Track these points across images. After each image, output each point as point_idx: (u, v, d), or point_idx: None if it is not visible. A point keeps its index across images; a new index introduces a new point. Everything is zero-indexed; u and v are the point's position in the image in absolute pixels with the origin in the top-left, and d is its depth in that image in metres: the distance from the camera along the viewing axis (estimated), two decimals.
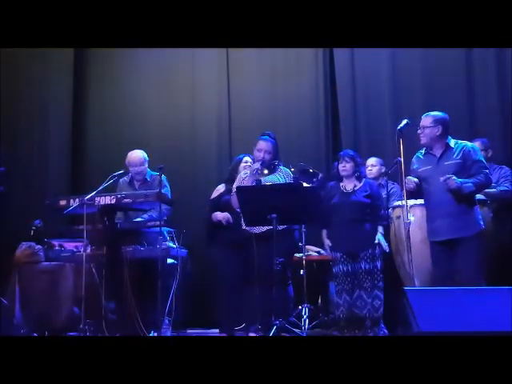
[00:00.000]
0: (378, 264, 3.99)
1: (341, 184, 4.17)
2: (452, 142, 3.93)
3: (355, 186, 4.13)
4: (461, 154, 3.87)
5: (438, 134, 3.90)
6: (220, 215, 4.46)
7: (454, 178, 3.75)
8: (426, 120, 3.94)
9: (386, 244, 4.07)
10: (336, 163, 4.26)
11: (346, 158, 4.16)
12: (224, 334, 4.39)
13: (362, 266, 3.98)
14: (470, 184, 3.77)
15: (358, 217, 4.02)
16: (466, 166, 3.84)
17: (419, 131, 3.95)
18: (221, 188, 4.63)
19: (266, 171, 4.16)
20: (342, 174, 4.15)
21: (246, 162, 4.54)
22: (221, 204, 4.50)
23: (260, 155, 4.17)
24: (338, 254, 4.07)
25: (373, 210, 4.06)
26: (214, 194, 4.64)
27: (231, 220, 4.39)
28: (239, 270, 4.33)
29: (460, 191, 3.75)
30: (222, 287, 4.48)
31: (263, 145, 4.20)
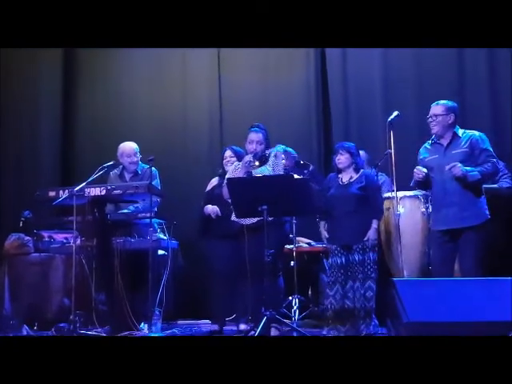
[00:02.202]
0: (371, 255, 3.98)
1: (339, 176, 4.17)
2: (460, 131, 3.91)
3: (351, 177, 4.12)
4: (468, 143, 3.83)
5: (450, 122, 3.88)
6: (209, 209, 4.47)
7: (460, 165, 3.72)
8: (438, 108, 3.92)
9: (374, 237, 4.03)
10: (334, 156, 4.25)
11: (341, 151, 4.14)
12: (216, 326, 4.41)
13: (356, 258, 3.98)
14: (476, 172, 3.73)
15: (352, 209, 4.00)
16: (473, 155, 3.81)
17: (430, 120, 3.91)
18: (214, 181, 4.63)
19: (257, 163, 4.16)
20: (339, 166, 4.14)
21: (225, 158, 4.54)
22: (213, 197, 4.51)
23: (252, 147, 4.18)
24: (333, 246, 4.09)
25: (368, 201, 4.03)
26: (208, 188, 4.65)
27: (219, 213, 4.40)
28: (230, 261, 4.34)
29: (465, 179, 3.72)
30: (213, 279, 4.49)
31: (254, 136, 4.22)
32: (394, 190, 4.20)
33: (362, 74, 5.74)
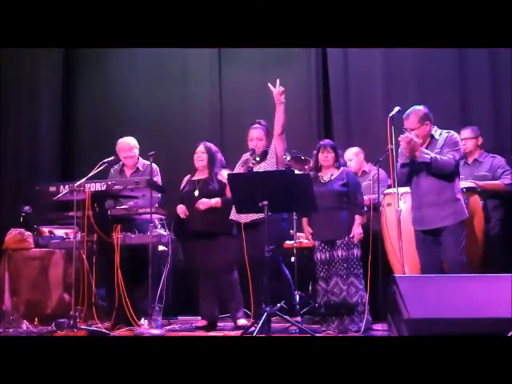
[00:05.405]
0: (355, 251, 3.99)
1: (319, 174, 4.16)
2: (437, 133, 3.85)
3: (332, 175, 4.12)
4: (443, 142, 3.80)
5: (427, 130, 3.81)
6: (178, 208, 4.46)
7: (414, 137, 3.66)
8: (411, 121, 3.79)
9: (359, 231, 3.99)
10: (315, 153, 4.22)
11: (328, 148, 4.14)
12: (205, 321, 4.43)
13: (339, 254, 3.99)
14: (428, 156, 3.68)
15: (335, 205, 4.02)
16: (441, 153, 3.76)
17: (406, 134, 3.73)
18: (186, 179, 4.62)
19: (257, 159, 4.17)
20: (323, 163, 4.14)
21: (197, 153, 4.52)
22: (183, 196, 4.51)
23: (252, 144, 4.20)
24: (317, 243, 4.09)
25: (349, 198, 4.06)
26: (182, 185, 4.63)
27: (187, 212, 4.40)
28: (204, 258, 4.37)
29: (414, 150, 3.66)
30: (197, 276, 4.56)
31: (254, 133, 4.24)
32: (390, 185, 4.20)
33: (363, 69, 5.72)
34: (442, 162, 3.70)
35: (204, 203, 4.34)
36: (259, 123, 4.29)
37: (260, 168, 4.17)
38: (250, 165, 4.13)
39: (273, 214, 4.00)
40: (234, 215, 4.16)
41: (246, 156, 4.14)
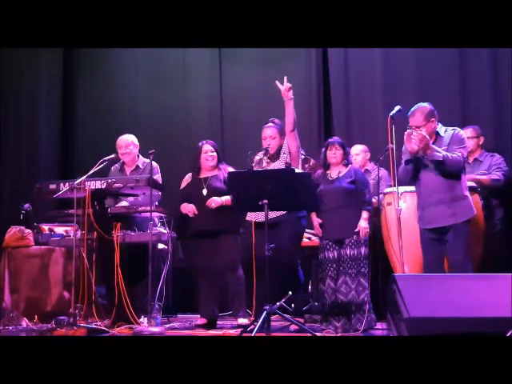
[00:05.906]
0: (363, 250, 3.98)
1: (327, 172, 4.16)
2: (442, 130, 3.84)
3: (339, 172, 4.11)
4: (449, 139, 3.79)
5: (433, 127, 3.78)
6: (185, 207, 4.41)
7: (425, 134, 3.63)
8: (417, 119, 3.77)
9: (365, 226, 3.98)
10: (323, 150, 4.22)
11: (337, 145, 4.12)
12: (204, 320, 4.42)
13: (348, 252, 3.98)
14: (440, 154, 3.66)
15: (343, 203, 4.01)
16: (449, 150, 3.75)
17: (409, 131, 3.73)
18: (187, 178, 4.58)
19: (268, 160, 4.15)
20: (331, 160, 4.12)
21: (206, 153, 4.48)
22: (188, 195, 4.47)
23: (266, 143, 4.21)
24: (325, 241, 4.08)
25: (357, 196, 4.05)
26: (183, 185, 4.60)
27: (196, 211, 4.37)
28: (208, 258, 4.35)
29: (426, 148, 3.64)
30: (196, 275, 4.53)
31: (266, 132, 4.25)
32: (391, 184, 4.20)
33: (363, 69, 5.73)
34: (453, 160, 3.67)
35: (215, 201, 4.32)
36: (273, 122, 4.29)
37: (274, 166, 4.18)
38: (264, 164, 4.13)
39: (291, 213, 4.02)
40: (249, 214, 4.17)
41: (260, 155, 4.13)
